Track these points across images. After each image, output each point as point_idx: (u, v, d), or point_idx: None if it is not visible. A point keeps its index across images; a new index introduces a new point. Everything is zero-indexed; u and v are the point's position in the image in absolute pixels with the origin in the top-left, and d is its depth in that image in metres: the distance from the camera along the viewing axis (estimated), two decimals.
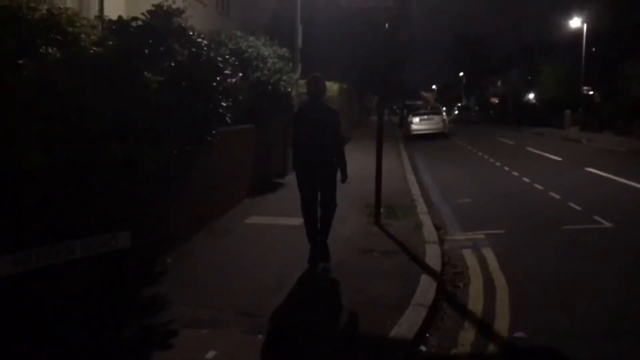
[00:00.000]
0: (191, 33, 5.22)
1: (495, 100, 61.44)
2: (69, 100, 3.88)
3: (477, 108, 64.34)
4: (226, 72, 5.43)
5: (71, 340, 3.90)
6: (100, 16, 4.82)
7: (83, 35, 4.23)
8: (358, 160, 13.51)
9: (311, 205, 5.93)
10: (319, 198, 5.91)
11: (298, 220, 7.65)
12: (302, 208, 6.01)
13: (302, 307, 4.61)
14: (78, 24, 4.31)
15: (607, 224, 7.66)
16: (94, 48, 4.20)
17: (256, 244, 6.58)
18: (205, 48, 5.22)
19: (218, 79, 5.24)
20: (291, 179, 11.73)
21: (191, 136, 5.41)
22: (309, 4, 15.01)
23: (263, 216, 8.00)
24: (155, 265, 5.49)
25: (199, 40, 5.22)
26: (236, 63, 6.34)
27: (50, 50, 3.91)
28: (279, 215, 8.04)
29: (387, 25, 7.42)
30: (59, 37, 4.06)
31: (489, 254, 6.55)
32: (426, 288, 5.07)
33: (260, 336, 4.08)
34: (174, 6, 5.15)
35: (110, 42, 4.43)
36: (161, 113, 4.72)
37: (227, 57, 5.76)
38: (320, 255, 5.80)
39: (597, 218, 7.97)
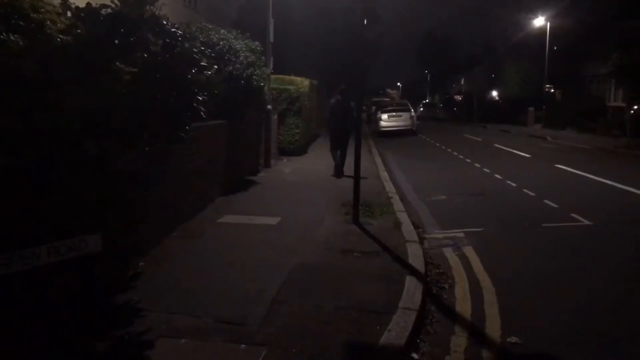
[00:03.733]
0: (165, 22, 4.89)
1: (459, 98, 62.13)
2: (33, 94, 3.53)
3: (440, 105, 64.83)
4: (202, 64, 5.13)
5: (36, 357, 3.58)
6: (66, 2, 4.43)
7: (48, 22, 3.88)
8: (329, 159, 13.36)
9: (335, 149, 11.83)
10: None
11: (274, 220, 7.47)
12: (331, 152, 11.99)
13: (286, 315, 4.36)
14: (43, 9, 3.95)
15: (586, 222, 7.64)
16: (60, 36, 3.85)
17: (233, 245, 6.30)
18: (180, 38, 4.90)
19: (194, 71, 4.93)
20: (264, 176, 11.50)
21: (164, 132, 5.10)
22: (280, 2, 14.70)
23: (238, 215, 7.71)
24: (127, 270, 5.16)
25: (174, 30, 4.90)
26: (212, 55, 6.05)
27: (12, 37, 3.56)
28: (254, 214, 7.76)
29: (365, 20, 7.21)
30: (21, 23, 3.70)
31: (470, 252, 6.44)
32: (412, 290, 4.90)
33: (243, 346, 3.83)
34: None
35: (79, 31, 4.08)
36: (134, 107, 4.39)
37: (203, 48, 5.45)
38: (339, 173, 11.51)
39: (575, 216, 7.95)
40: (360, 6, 7.21)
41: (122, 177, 4.75)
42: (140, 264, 5.39)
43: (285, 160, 14.46)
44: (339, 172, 11.52)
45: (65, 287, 4.29)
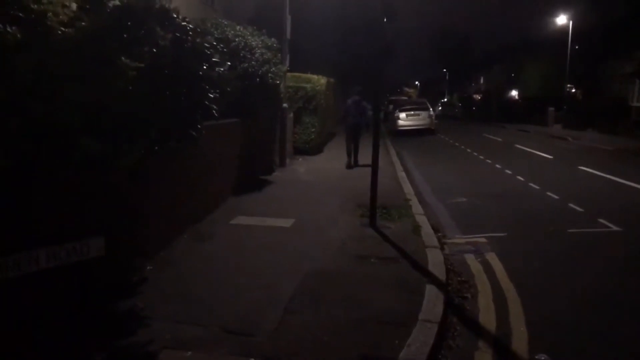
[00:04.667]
0: (175, 15, 4.66)
1: (478, 97, 61.44)
2: (30, 88, 3.32)
3: (459, 104, 64.10)
4: (214, 59, 4.89)
5: None
6: None
7: (50, 14, 3.65)
8: (345, 158, 13.08)
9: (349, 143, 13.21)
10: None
11: (287, 222, 7.22)
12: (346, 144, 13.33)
13: (299, 326, 4.10)
14: (45, 1, 3.73)
15: (615, 228, 7.27)
16: (62, 29, 3.63)
17: (244, 248, 6.06)
18: (191, 33, 4.66)
19: (205, 67, 4.69)
20: (278, 176, 11.26)
21: (174, 130, 4.86)
22: None
23: (250, 216, 7.47)
24: (132, 274, 4.94)
25: (184, 24, 4.66)
26: (225, 50, 5.81)
27: (9, 29, 3.34)
28: (267, 216, 7.52)
29: (385, 18, 6.93)
30: (20, 14, 3.49)
31: (493, 259, 6.13)
32: (433, 300, 4.62)
33: None
34: None
35: (83, 23, 3.85)
36: (140, 104, 4.16)
37: (215, 44, 5.20)
38: (353, 164, 12.95)
39: (602, 221, 7.58)
40: (379, 2, 6.93)
41: (127, 176, 4.54)
42: (148, 267, 5.17)
43: (300, 159, 14.21)
44: (350, 164, 13.02)
45: (66, 293, 4.08)
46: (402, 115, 26.13)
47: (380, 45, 7.08)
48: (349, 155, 13.06)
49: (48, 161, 3.63)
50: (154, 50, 4.39)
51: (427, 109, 27.09)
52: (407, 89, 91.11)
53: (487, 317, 4.55)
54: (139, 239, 5.15)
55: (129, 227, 4.90)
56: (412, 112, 26.32)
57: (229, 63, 5.60)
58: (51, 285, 3.86)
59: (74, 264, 3.94)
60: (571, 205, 8.73)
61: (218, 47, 5.43)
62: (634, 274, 5.65)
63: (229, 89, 5.53)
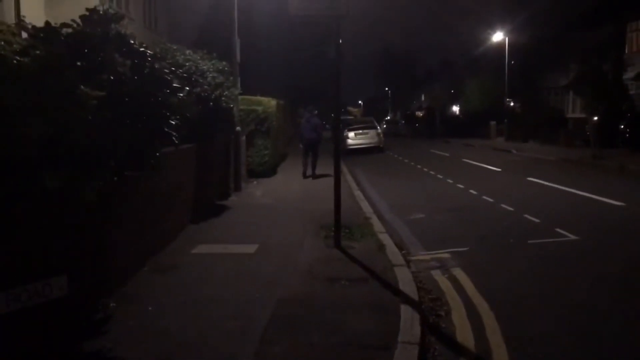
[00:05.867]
0: (132, 42, 4.51)
1: (420, 114, 62.92)
2: None
3: (402, 121, 65.40)
4: (175, 85, 4.75)
5: None
6: (22, 22, 4.02)
7: (2, 43, 3.45)
8: (300, 179, 13.02)
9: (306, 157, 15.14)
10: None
11: (250, 247, 7.07)
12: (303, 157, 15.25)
13: (278, 356, 3.97)
14: None
15: (572, 237, 7.48)
16: (17, 57, 3.43)
17: (209, 278, 5.86)
18: (150, 58, 4.51)
19: (167, 91, 4.55)
20: (235, 200, 11.07)
21: (133, 159, 4.68)
22: (244, 18, 14.41)
23: (211, 244, 7.26)
24: (96, 312, 4.67)
25: (142, 49, 4.52)
26: (184, 75, 5.67)
27: None
28: (229, 243, 7.34)
29: (340, 40, 6.95)
30: None
31: (460, 274, 6.17)
32: (409, 320, 4.58)
33: None
34: (111, 11, 4.43)
35: (37, 52, 3.66)
36: (100, 134, 3.98)
37: (173, 69, 5.06)
38: (311, 175, 14.95)
39: (559, 230, 7.80)
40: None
41: (87, 210, 4.31)
42: (111, 304, 4.90)
43: (255, 182, 14.05)
44: (305, 173, 15.10)
45: (28, 338, 3.80)
46: (351, 134, 26.38)
47: (337, 69, 7.07)
48: (304, 165, 15.22)
49: (4, 197, 3.40)
50: (112, 78, 4.23)
51: (374, 127, 27.48)
52: (351, 109, 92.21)
53: (464, 335, 4.54)
54: (101, 274, 4.89)
55: (90, 262, 4.65)
56: (361, 131, 26.62)
57: (187, 88, 5.44)
58: (11, 329, 3.59)
59: (35, 306, 3.69)
60: (526, 216, 8.96)
61: (177, 72, 5.29)
62: (602, 281, 5.77)
63: (188, 115, 5.37)
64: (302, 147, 15.37)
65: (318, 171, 15.04)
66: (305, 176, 14.96)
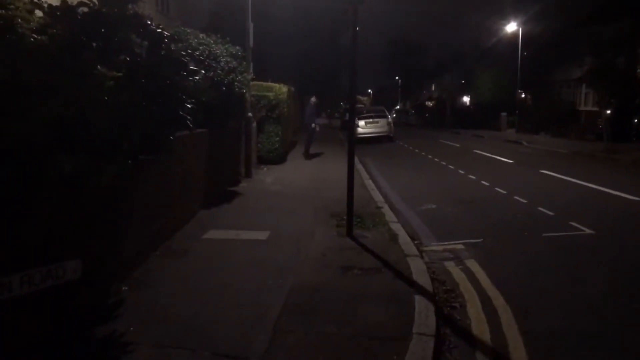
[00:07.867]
0: (149, 22, 4.43)
1: (430, 104, 62.57)
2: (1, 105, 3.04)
3: (412, 111, 65.03)
4: (191, 67, 4.67)
5: None
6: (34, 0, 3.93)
7: (20, 20, 3.38)
8: (310, 166, 12.94)
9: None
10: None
11: (262, 234, 7.02)
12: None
13: (292, 346, 3.92)
14: (12, 6, 3.46)
15: (587, 231, 7.37)
16: (34, 36, 3.36)
17: (222, 264, 5.82)
18: (166, 40, 4.44)
19: (184, 74, 4.47)
20: (246, 187, 11.01)
21: (147, 143, 4.61)
22: (258, 1, 14.23)
23: (223, 230, 7.22)
24: (108, 296, 4.65)
25: (159, 30, 4.44)
26: (201, 58, 5.58)
27: None
28: (241, 229, 7.29)
29: (357, 27, 6.83)
30: None
31: (474, 266, 6.10)
32: (424, 312, 4.52)
33: None
34: None
35: (55, 31, 3.59)
36: (117, 116, 3.91)
37: (190, 51, 4.98)
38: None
39: (574, 224, 7.69)
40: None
41: (101, 194, 4.27)
42: (123, 288, 4.88)
43: (265, 169, 13.99)
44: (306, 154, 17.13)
45: (42, 320, 3.77)
46: (361, 123, 26.18)
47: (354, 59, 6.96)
48: (307, 149, 17.37)
49: (19, 180, 3.35)
50: (128, 59, 4.16)
51: (385, 117, 27.27)
52: (360, 97, 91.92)
53: (480, 328, 4.47)
54: (113, 258, 4.85)
55: (104, 246, 4.61)
56: (371, 120, 26.43)
57: (203, 71, 5.37)
58: (25, 311, 3.56)
59: (49, 288, 3.65)
60: (540, 209, 8.85)
61: (194, 54, 5.21)
62: (620, 276, 5.69)
63: (204, 99, 5.29)
64: (309, 132, 17.83)
65: (312, 151, 17.53)
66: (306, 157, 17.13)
